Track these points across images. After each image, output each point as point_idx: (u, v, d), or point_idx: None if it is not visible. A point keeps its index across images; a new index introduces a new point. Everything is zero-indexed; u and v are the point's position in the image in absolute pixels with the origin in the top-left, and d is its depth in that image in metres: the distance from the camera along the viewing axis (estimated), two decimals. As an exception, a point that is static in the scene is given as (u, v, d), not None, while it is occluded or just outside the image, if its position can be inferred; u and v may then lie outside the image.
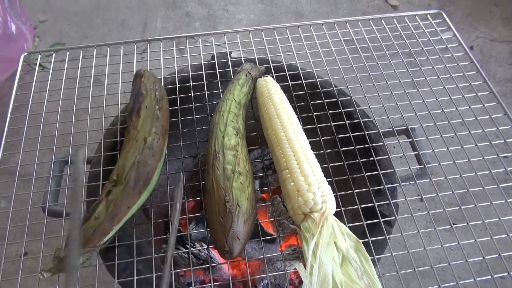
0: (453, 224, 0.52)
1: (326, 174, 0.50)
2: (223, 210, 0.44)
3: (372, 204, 0.53)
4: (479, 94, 0.64)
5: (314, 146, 0.53)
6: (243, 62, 0.67)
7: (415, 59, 0.69)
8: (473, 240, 0.51)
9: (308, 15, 1.66)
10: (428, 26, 0.74)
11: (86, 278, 0.87)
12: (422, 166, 0.58)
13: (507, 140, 0.59)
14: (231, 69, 0.68)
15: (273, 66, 0.69)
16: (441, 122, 0.62)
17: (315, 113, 0.61)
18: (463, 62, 0.68)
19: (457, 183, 0.58)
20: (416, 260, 0.48)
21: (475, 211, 0.53)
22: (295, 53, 0.70)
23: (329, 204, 0.44)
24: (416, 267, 0.48)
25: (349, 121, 0.61)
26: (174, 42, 0.72)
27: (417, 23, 0.74)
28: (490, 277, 0.48)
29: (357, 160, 0.56)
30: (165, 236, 0.55)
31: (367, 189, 0.54)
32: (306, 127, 0.57)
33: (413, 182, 0.57)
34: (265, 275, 0.50)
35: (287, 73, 0.68)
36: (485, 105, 0.63)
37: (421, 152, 0.59)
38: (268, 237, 0.55)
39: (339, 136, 0.59)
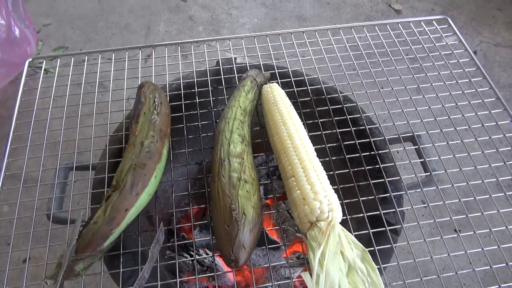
0: (459, 230, 0.51)
1: (332, 182, 0.49)
2: (229, 218, 0.43)
3: (378, 212, 0.52)
4: (485, 100, 0.64)
5: (320, 153, 0.53)
6: (248, 68, 0.67)
7: (420, 64, 0.69)
8: (480, 249, 0.50)
9: (311, 19, 1.66)
10: (433, 31, 0.73)
11: (89, 283, 0.87)
12: (428, 173, 0.58)
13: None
14: (236, 75, 0.68)
15: (278, 72, 0.69)
16: (447, 129, 0.61)
17: (320, 120, 0.61)
18: (469, 68, 0.68)
19: (464, 191, 0.58)
20: (420, 266, 0.48)
21: (481, 218, 0.53)
22: (300, 58, 0.70)
23: (335, 213, 0.44)
24: (421, 274, 0.48)
25: (354, 128, 0.61)
26: (179, 47, 0.72)
27: (422, 29, 0.73)
28: (497, 286, 0.48)
29: (363, 168, 0.56)
30: (170, 244, 0.55)
31: (373, 197, 0.54)
32: (312, 134, 0.57)
33: (419, 189, 0.57)
34: (270, 283, 0.49)
35: (292, 79, 0.67)
36: (492, 111, 0.62)
37: (427, 159, 0.59)
38: (275, 245, 0.55)
39: (345, 143, 0.59)
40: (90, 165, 0.59)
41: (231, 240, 0.42)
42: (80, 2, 1.72)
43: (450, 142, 0.60)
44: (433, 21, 0.74)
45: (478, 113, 0.63)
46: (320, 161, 0.50)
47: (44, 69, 0.71)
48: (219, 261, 0.67)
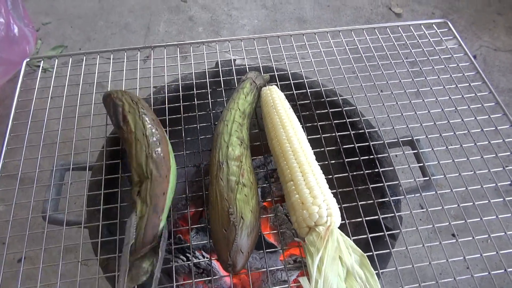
0: (457, 236, 0.51)
1: (331, 186, 0.49)
2: (227, 222, 0.43)
3: (377, 217, 0.52)
4: (484, 105, 0.64)
5: (319, 156, 0.52)
6: (248, 70, 0.67)
7: (420, 68, 0.69)
8: (479, 255, 0.50)
9: (311, 21, 1.66)
10: (432, 35, 0.73)
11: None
12: (427, 178, 0.58)
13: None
14: (235, 77, 0.68)
15: (277, 74, 0.69)
16: (446, 133, 0.61)
17: (319, 123, 0.61)
18: (468, 72, 0.68)
19: (462, 196, 0.58)
20: (418, 271, 0.48)
21: (480, 224, 0.53)
22: (299, 61, 0.70)
23: (334, 218, 0.44)
24: (419, 279, 0.47)
25: (353, 131, 0.61)
26: (178, 48, 0.72)
27: (422, 32, 0.73)
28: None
29: (361, 171, 0.56)
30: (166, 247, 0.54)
31: (372, 201, 0.53)
32: (311, 137, 0.57)
33: (418, 194, 0.57)
34: (267, 286, 0.49)
35: (292, 81, 0.67)
36: (491, 116, 0.62)
37: (426, 163, 0.59)
38: (272, 250, 0.54)
39: (344, 146, 0.58)
40: (87, 166, 0.59)
41: (228, 245, 0.42)
42: (80, 1, 1.72)
43: (449, 147, 0.59)
44: (433, 25, 0.74)
45: (478, 118, 0.63)
46: (319, 165, 0.50)
47: (43, 68, 0.71)
48: (215, 264, 0.67)
